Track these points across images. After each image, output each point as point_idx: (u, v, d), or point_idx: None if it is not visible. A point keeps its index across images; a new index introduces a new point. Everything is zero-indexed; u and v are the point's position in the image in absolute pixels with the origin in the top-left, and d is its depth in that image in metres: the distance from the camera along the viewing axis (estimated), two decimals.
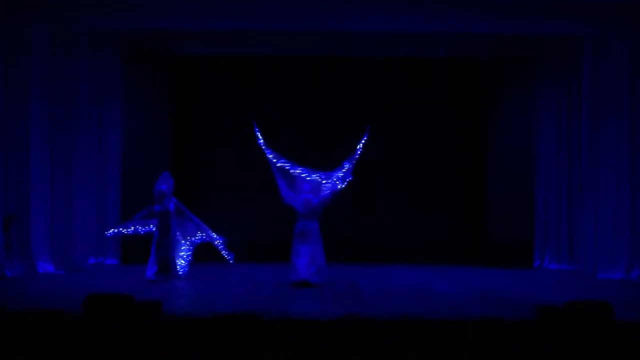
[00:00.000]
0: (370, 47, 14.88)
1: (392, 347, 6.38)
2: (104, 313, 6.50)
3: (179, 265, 12.15)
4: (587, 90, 13.64)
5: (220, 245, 12.11)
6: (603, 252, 13.04)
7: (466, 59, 15.61)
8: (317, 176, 11.52)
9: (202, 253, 15.36)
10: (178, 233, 12.15)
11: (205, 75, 15.83)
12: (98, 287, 9.91)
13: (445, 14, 12.44)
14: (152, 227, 12.01)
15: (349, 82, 15.78)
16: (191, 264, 12.35)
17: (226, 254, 11.98)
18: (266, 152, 11.70)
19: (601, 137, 13.22)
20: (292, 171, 11.60)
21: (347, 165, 11.54)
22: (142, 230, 12.09)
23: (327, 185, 11.48)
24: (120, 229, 12.22)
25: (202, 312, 7.83)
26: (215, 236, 12.20)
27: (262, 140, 11.73)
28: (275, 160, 11.66)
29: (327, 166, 11.73)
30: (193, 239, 12.34)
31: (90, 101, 14.24)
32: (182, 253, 12.29)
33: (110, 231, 12.28)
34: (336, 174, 11.51)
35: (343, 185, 11.54)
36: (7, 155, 12.41)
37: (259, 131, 11.75)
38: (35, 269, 12.58)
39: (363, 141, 11.67)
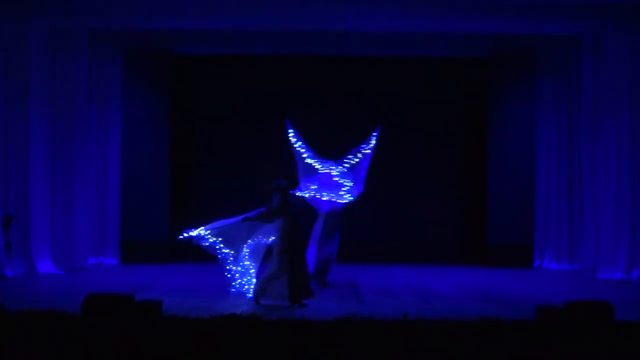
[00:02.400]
0: (370, 47, 14.87)
1: (392, 347, 6.38)
2: (104, 313, 6.50)
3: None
4: (586, 90, 13.65)
5: None
6: (603, 252, 13.03)
7: (466, 58, 15.60)
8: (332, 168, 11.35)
9: (202, 253, 15.39)
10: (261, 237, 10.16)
11: (205, 75, 15.82)
12: (98, 287, 9.91)
13: (444, 13, 12.43)
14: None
15: (349, 81, 15.77)
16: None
17: None
18: (295, 144, 11.39)
19: (601, 137, 13.22)
20: (320, 168, 11.32)
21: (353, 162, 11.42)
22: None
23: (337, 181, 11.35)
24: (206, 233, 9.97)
25: (202, 312, 7.82)
26: None
27: (293, 134, 11.38)
28: (304, 155, 11.35)
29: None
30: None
31: (90, 101, 14.25)
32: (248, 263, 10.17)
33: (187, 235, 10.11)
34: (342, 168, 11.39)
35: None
36: (7, 155, 12.41)
37: (292, 127, 11.44)
38: (35, 269, 12.57)
39: (372, 142, 11.54)
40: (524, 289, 11.54)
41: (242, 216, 9.88)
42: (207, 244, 9.95)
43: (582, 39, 13.69)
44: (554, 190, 14.99)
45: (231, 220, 9.95)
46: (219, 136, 15.74)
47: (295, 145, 11.44)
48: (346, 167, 11.45)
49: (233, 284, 10.00)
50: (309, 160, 11.37)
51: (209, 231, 9.90)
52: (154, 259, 14.34)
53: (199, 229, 9.99)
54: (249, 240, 9.92)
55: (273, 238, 9.71)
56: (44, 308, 7.09)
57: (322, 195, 11.34)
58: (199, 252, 15.97)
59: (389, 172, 15.58)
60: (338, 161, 11.49)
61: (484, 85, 15.48)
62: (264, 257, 9.91)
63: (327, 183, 11.37)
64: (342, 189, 11.34)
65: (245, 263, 9.96)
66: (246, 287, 9.90)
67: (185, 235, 10.00)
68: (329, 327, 6.85)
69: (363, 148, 11.58)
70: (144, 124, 14.95)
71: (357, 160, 11.50)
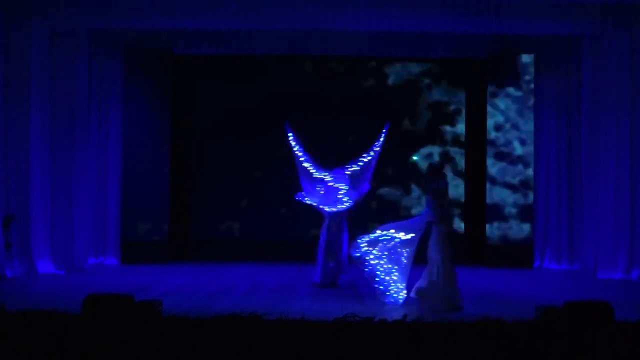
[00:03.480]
0: (370, 47, 14.88)
1: (392, 347, 6.38)
2: (104, 313, 6.50)
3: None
4: (586, 90, 13.65)
5: None
6: (603, 252, 13.04)
7: (465, 58, 15.60)
8: (338, 183, 11.44)
9: (203, 252, 15.41)
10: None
11: (205, 75, 15.83)
12: (98, 287, 9.91)
13: (444, 13, 12.43)
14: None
15: (349, 81, 15.79)
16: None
17: None
18: (294, 148, 11.70)
19: (601, 137, 13.23)
20: (315, 174, 11.57)
21: (360, 167, 11.50)
22: None
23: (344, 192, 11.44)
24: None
25: (202, 312, 7.82)
26: None
27: (292, 137, 11.70)
28: (302, 159, 11.62)
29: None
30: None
31: (90, 101, 14.25)
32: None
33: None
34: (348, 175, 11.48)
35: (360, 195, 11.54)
36: (7, 155, 12.41)
37: (291, 130, 11.74)
38: (35, 269, 12.57)
39: (382, 139, 11.58)
40: (524, 289, 11.54)
41: (411, 221, 9.64)
42: (359, 254, 9.51)
43: (582, 39, 13.69)
44: (554, 190, 15.00)
45: (404, 224, 9.64)
46: (219, 136, 15.75)
47: (294, 149, 11.70)
48: (353, 170, 11.48)
49: (387, 294, 9.50)
50: (305, 165, 11.61)
51: (365, 243, 9.48)
52: (154, 259, 14.35)
53: (375, 232, 9.58)
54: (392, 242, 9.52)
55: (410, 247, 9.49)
56: (44, 308, 7.09)
57: (322, 208, 11.50)
58: (198, 252, 16.02)
59: (388, 171, 15.58)
60: (344, 165, 11.56)
61: (484, 85, 15.47)
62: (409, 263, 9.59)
63: (326, 189, 11.50)
64: (339, 192, 11.43)
65: (386, 266, 9.51)
66: (401, 294, 9.48)
67: (361, 243, 9.53)
68: (329, 327, 6.84)
69: (374, 146, 11.64)
70: (144, 124, 14.95)
71: (368, 159, 11.57)
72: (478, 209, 15.49)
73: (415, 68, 15.85)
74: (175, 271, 13.37)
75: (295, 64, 15.72)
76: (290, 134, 11.77)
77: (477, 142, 15.61)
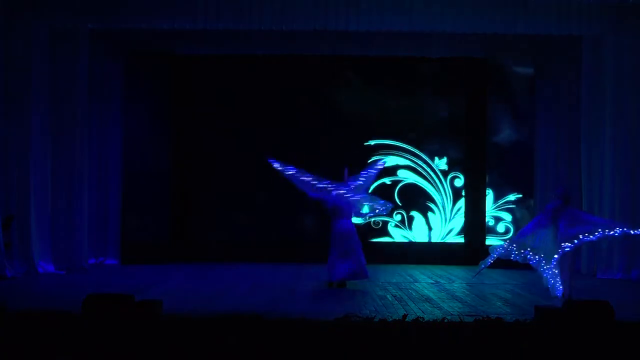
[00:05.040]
0: (371, 47, 14.87)
1: (392, 347, 6.38)
2: (104, 313, 6.51)
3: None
4: (586, 90, 13.64)
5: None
6: (602, 252, 13.04)
7: (466, 58, 15.59)
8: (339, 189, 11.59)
9: (203, 252, 15.41)
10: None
11: (205, 75, 15.82)
12: (98, 287, 9.92)
13: (444, 13, 12.43)
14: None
15: (349, 81, 15.77)
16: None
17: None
18: (287, 172, 11.74)
19: (601, 137, 13.23)
20: (317, 185, 11.70)
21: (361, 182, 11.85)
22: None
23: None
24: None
25: (202, 312, 7.82)
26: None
27: (279, 165, 11.78)
28: (297, 175, 11.73)
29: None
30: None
31: (90, 101, 14.21)
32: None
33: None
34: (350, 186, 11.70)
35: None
36: (8, 155, 12.42)
37: (275, 161, 11.80)
38: (35, 269, 12.57)
39: (378, 167, 12.31)
40: (524, 289, 11.53)
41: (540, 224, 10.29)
42: (508, 254, 10.32)
43: (582, 39, 13.69)
44: (554, 190, 14.98)
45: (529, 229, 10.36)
46: (219, 136, 15.72)
47: (288, 174, 11.71)
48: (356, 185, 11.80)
49: (545, 279, 10.33)
50: (305, 179, 11.63)
51: (514, 245, 10.28)
52: (154, 259, 14.34)
53: (506, 244, 10.37)
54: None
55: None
56: (44, 308, 7.09)
57: (334, 203, 11.51)
58: (198, 252, 15.99)
59: (388, 171, 15.58)
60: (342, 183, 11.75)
61: (484, 85, 15.46)
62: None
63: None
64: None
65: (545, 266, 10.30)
66: (557, 285, 10.15)
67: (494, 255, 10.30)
68: (329, 327, 6.85)
69: (369, 170, 12.15)
70: (144, 124, 14.94)
71: (363, 179, 11.94)
72: (477, 209, 15.48)
73: (415, 68, 15.81)
74: (175, 271, 13.36)
75: (295, 64, 15.69)
76: (275, 164, 11.78)
77: (477, 141, 15.58)
